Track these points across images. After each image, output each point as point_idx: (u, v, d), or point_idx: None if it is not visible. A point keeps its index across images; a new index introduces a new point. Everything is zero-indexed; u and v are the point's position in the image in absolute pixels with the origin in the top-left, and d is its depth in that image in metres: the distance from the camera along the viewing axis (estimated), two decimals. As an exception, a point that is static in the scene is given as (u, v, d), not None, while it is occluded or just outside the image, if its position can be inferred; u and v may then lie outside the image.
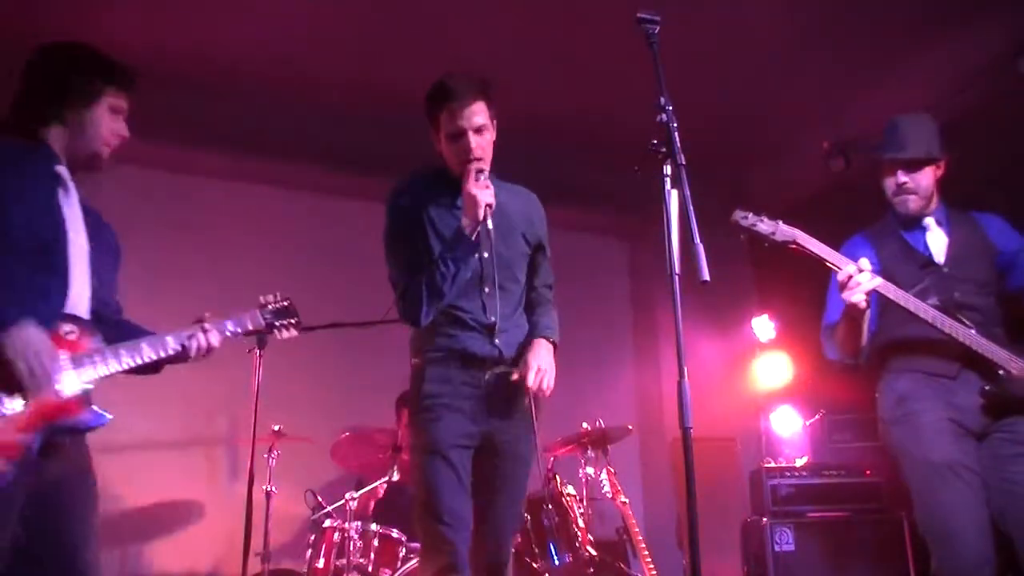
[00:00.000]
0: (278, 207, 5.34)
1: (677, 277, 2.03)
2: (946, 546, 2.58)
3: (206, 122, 4.92)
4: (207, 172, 5.22)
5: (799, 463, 4.71)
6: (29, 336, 1.85)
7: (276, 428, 3.89)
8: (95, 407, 2.03)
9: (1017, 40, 4.16)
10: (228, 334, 2.34)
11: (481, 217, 2.40)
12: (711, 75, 4.58)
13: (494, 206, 2.43)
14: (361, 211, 5.58)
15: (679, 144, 2.10)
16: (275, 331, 2.45)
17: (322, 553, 3.72)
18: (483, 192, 2.41)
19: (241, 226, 5.21)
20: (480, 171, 2.46)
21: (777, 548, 4.30)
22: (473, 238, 2.43)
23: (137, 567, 4.59)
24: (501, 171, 2.66)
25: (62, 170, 2.10)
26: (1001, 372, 2.66)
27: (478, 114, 2.48)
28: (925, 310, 2.65)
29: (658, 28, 2.21)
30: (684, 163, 2.08)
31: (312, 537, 3.84)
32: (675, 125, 2.12)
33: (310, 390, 4.86)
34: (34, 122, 2.10)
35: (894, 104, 4.68)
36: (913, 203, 2.86)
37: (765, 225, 2.57)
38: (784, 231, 2.58)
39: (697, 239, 1.98)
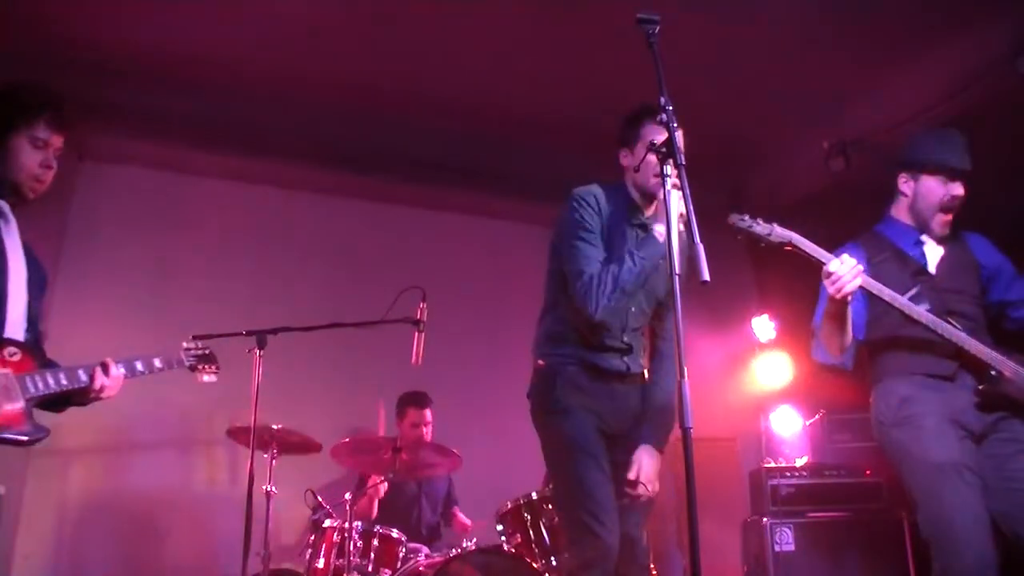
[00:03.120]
0: (278, 207, 5.34)
1: (677, 277, 2.03)
2: (950, 548, 2.57)
3: (206, 122, 4.92)
4: (207, 172, 5.22)
5: (799, 463, 4.71)
6: None
7: (276, 428, 3.89)
8: (35, 421, 2.22)
9: (1017, 40, 4.16)
10: (138, 372, 2.51)
11: (675, 225, 2.35)
12: (711, 75, 4.57)
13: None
14: (361, 211, 5.60)
15: (679, 144, 2.10)
16: (195, 371, 2.81)
17: (322, 553, 3.72)
18: (678, 201, 2.42)
19: (241, 226, 5.21)
20: (682, 190, 2.48)
21: (777, 548, 4.30)
22: (660, 240, 2.53)
23: (137, 567, 4.59)
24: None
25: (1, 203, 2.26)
26: (993, 372, 2.70)
27: (683, 140, 2.55)
28: (914, 310, 2.68)
29: (658, 28, 2.21)
30: (684, 163, 2.08)
31: (312, 537, 3.84)
32: (675, 125, 2.13)
33: (310, 390, 4.86)
34: None
35: (894, 104, 4.71)
36: (948, 226, 2.91)
37: (761, 227, 2.60)
38: (780, 233, 2.61)
39: (697, 239, 1.99)
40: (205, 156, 5.09)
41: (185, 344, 2.77)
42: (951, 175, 2.86)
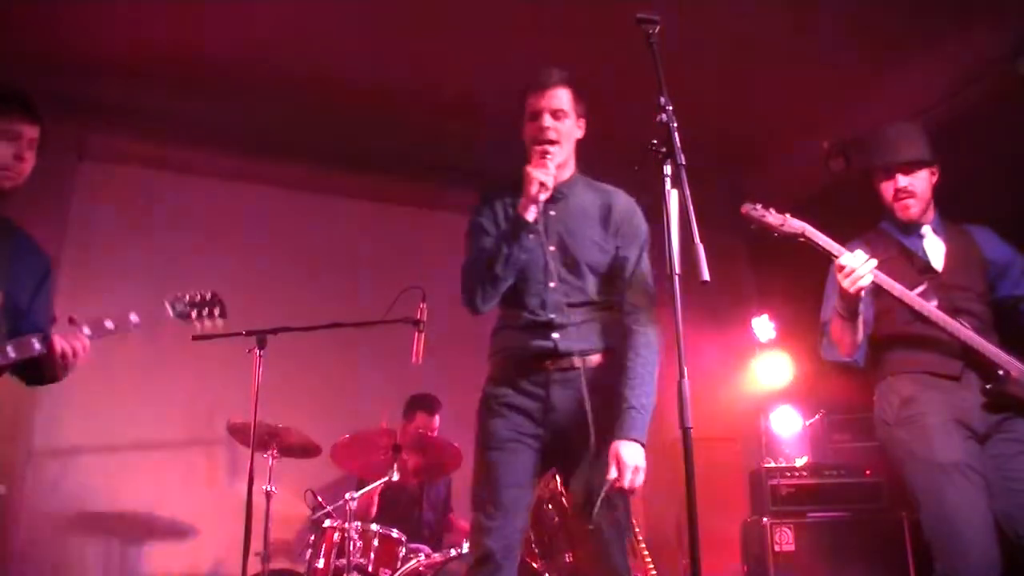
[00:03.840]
0: (278, 207, 5.34)
1: (677, 277, 2.03)
2: (953, 548, 2.56)
3: (206, 122, 4.92)
4: (207, 172, 5.22)
5: (799, 463, 4.71)
6: None
7: (276, 428, 3.89)
8: None
9: (1017, 40, 4.16)
10: (108, 331, 2.43)
11: (533, 193, 2.35)
12: (711, 75, 4.57)
13: (550, 186, 2.38)
14: (361, 211, 5.60)
15: (679, 144, 2.10)
16: (190, 320, 2.58)
17: (322, 553, 3.72)
18: (539, 170, 2.38)
19: (241, 226, 5.21)
20: (546, 154, 2.44)
21: (777, 548, 4.29)
22: (531, 219, 2.38)
23: (137, 567, 4.60)
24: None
25: None
26: (1001, 372, 2.67)
27: (559, 98, 2.50)
28: (925, 307, 2.67)
29: (657, 28, 2.21)
30: (684, 163, 2.08)
31: (312, 537, 3.84)
32: (675, 125, 2.13)
33: (310, 390, 4.86)
34: None
35: (894, 104, 4.71)
36: (913, 207, 2.90)
37: (774, 217, 2.62)
38: (792, 224, 2.63)
39: (697, 239, 1.99)
40: (205, 156, 5.09)
41: (179, 293, 2.62)
42: (888, 172, 2.91)
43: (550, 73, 2.55)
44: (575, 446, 2.39)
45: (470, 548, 2.46)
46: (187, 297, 2.60)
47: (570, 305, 2.45)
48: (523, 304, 2.46)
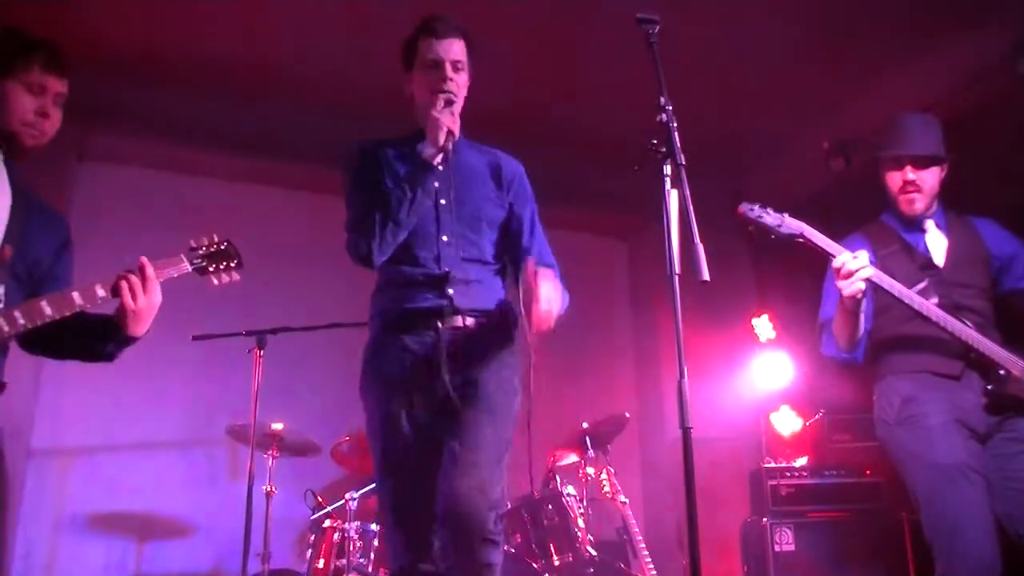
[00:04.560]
0: (278, 207, 5.34)
1: (677, 277, 2.02)
2: (954, 549, 2.56)
3: (206, 122, 4.92)
4: (207, 172, 5.22)
5: (799, 463, 4.71)
6: None
7: (276, 427, 3.89)
8: None
9: (1017, 40, 4.16)
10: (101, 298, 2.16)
11: (442, 141, 2.28)
12: (711, 75, 4.57)
13: (457, 134, 2.31)
14: (361, 211, 5.60)
15: (679, 144, 2.10)
16: (210, 276, 2.30)
17: (322, 553, 3.72)
18: (447, 117, 2.30)
19: (241, 226, 5.19)
20: (452, 102, 2.35)
21: (777, 548, 4.29)
22: (435, 163, 2.30)
23: (137, 567, 4.59)
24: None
25: None
26: (1002, 372, 2.66)
27: (458, 49, 2.42)
28: (924, 305, 2.65)
29: (657, 28, 2.21)
30: (684, 163, 2.08)
31: (312, 537, 3.84)
32: (675, 125, 2.12)
33: (310, 390, 4.86)
34: None
35: (894, 104, 4.69)
36: (919, 202, 2.86)
37: (771, 218, 2.59)
38: (791, 224, 2.60)
39: (697, 239, 1.98)
40: (205, 156, 5.09)
41: (192, 242, 2.33)
42: (898, 163, 2.86)
43: (446, 19, 2.44)
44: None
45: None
46: (203, 247, 2.32)
47: (464, 260, 2.34)
48: (414, 259, 2.32)
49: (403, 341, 2.29)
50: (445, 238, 2.34)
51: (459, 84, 2.42)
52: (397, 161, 2.42)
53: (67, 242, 2.34)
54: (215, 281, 2.29)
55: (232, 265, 2.33)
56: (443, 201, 2.37)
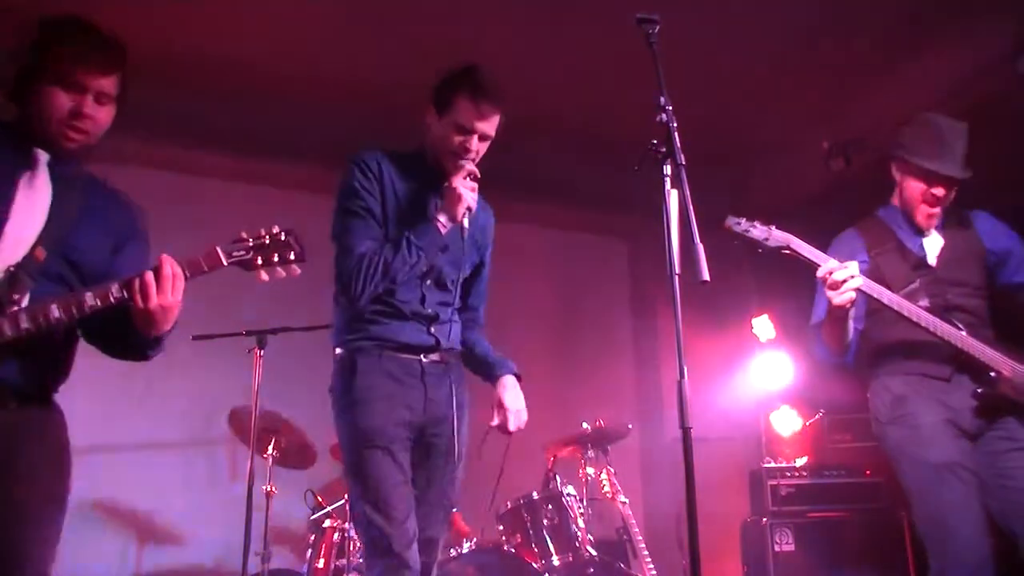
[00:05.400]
0: (278, 207, 5.34)
1: (677, 277, 2.02)
2: (947, 547, 2.57)
3: (206, 122, 4.92)
4: (207, 172, 5.22)
5: (799, 463, 4.71)
6: None
7: (276, 428, 3.89)
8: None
9: (1017, 40, 4.16)
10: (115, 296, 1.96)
11: (460, 216, 2.37)
12: (711, 75, 4.57)
13: (475, 209, 2.41)
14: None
15: (679, 144, 2.10)
16: (258, 270, 2.09)
17: (322, 553, 3.72)
18: (469, 193, 2.38)
19: (241, 226, 5.19)
20: (471, 173, 2.41)
21: (777, 548, 4.30)
22: (443, 232, 2.38)
23: (137, 567, 4.59)
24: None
25: (38, 152, 2.03)
26: (992, 374, 2.66)
27: (495, 124, 2.44)
28: (913, 311, 2.64)
29: (657, 28, 2.21)
30: (684, 163, 2.08)
31: (312, 537, 3.84)
32: (675, 125, 2.12)
33: (310, 390, 4.85)
34: (15, 103, 2.03)
35: (894, 104, 4.71)
36: (936, 218, 2.84)
37: (758, 231, 2.56)
38: (777, 237, 2.56)
39: (697, 239, 1.98)
40: (206, 156, 5.09)
41: (244, 234, 2.15)
42: (933, 180, 2.77)
43: (496, 89, 2.43)
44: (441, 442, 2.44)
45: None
46: (252, 238, 2.13)
47: (441, 304, 2.49)
48: (400, 296, 2.41)
49: (394, 374, 2.40)
50: (428, 282, 2.46)
51: (481, 152, 2.46)
52: (406, 198, 2.46)
53: (130, 238, 2.20)
54: (264, 276, 2.10)
55: (290, 258, 2.12)
56: (438, 260, 2.45)
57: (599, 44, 4.32)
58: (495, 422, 2.47)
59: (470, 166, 2.42)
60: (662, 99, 2.15)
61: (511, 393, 2.51)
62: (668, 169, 2.11)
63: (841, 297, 2.54)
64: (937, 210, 2.81)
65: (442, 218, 2.37)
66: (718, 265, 1.99)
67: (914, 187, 2.81)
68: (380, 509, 2.25)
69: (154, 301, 1.95)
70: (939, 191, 2.77)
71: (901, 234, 2.89)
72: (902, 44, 4.45)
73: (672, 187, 2.10)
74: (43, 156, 2.04)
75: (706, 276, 1.96)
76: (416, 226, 2.36)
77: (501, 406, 2.48)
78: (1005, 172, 4.13)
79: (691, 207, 2.03)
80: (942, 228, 2.90)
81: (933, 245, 2.88)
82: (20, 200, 1.97)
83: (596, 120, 4.96)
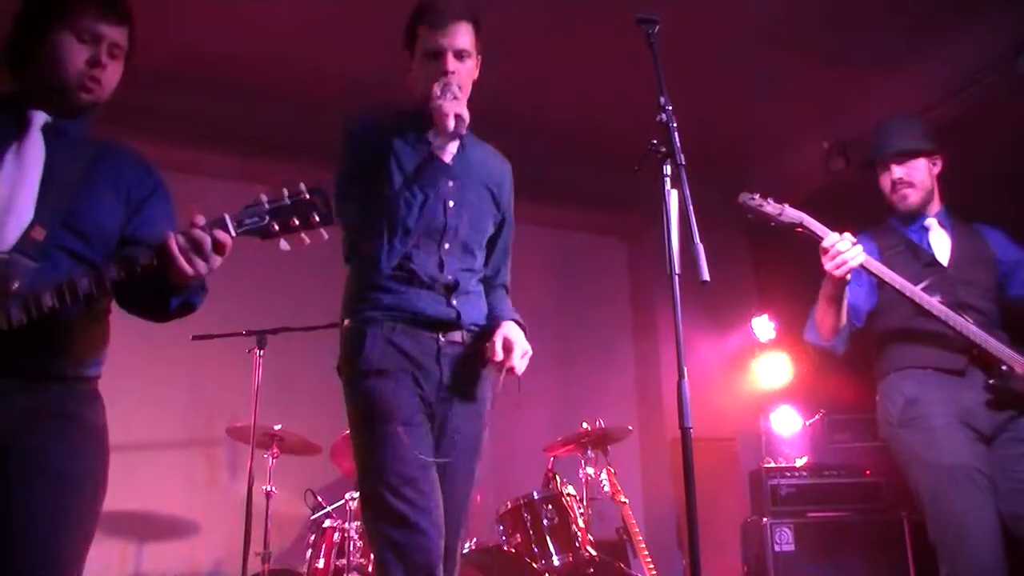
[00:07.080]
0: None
1: (677, 277, 2.03)
2: (960, 551, 2.56)
3: (206, 122, 4.92)
4: (208, 172, 5.21)
5: (799, 463, 4.71)
6: None
7: (276, 428, 3.89)
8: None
9: (1017, 40, 4.16)
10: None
11: (451, 127, 2.09)
12: (711, 75, 4.57)
13: (467, 120, 2.13)
14: (361, 211, 5.60)
15: (679, 144, 2.10)
16: (277, 238, 1.85)
17: (322, 553, 3.72)
18: (450, 102, 2.11)
19: (241, 226, 5.20)
20: (449, 85, 2.16)
21: (777, 548, 4.29)
22: (446, 160, 2.14)
23: (137, 567, 4.59)
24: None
25: (34, 115, 1.89)
26: (1004, 368, 2.65)
27: (463, 36, 2.23)
28: (924, 298, 2.64)
29: (657, 28, 2.21)
30: (684, 163, 2.08)
31: (312, 537, 3.84)
32: (675, 125, 2.12)
33: (310, 390, 4.86)
34: (11, 66, 1.92)
35: (894, 104, 4.70)
36: (912, 196, 2.88)
37: (771, 207, 2.59)
38: (790, 214, 2.61)
39: (697, 239, 1.98)
40: (205, 156, 5.09)
41: (262, 196, 1.86)
42: (884, 164, 2.90)
43: (453, 5, 2.25)
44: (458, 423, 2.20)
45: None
46: (266, 202, 1.83)
47: (463, 270, 2.24)
48: (416, 260, 2.18)
49: (406, 351, 2.16)
50: (447, 245, 2.21)
51: (463, 74, 2.22)
52: (404, 149, 2.21)
53: (149, 195, 2.10)
54: (285, 245, 1.85)
55: (315, 221, 1.83)
56: (451, 203, 2.21)
57: (599, 44, 4.32)
58: (499, 355, 2.12)
59: (448, 77, 2.18)
60: (662, 99, 2.15)
61: (512, 328, 2.20)
62: (668, 169, 2.11)
63: (841, 268, 2.55)
64: (907, 191, 2.88)
65: (438, 140, 2.14)
66: (718, 265, 2.00)
67: (882, 183, 2.94)
68: (400, 493, 1.98)
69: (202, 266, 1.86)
70: (898, 171, 2.88)
71: (906, 232, 2.92)
72: (902, 44, 4.45)
73: (672, 187, 2.10)
74: (38, 119, 1.90)
75: (706, 276, 1.96)
76: (416, 164, 2.17)
77: (506, 338, 2.15)
78: (1005, 172, 4.14)
79: (691, 207, 2.03)
80: (949, 228, 2.91)
81: (941, 243, 2.89)
82: (5, 176, 1.82)
83: (596, 120, 4.96)
